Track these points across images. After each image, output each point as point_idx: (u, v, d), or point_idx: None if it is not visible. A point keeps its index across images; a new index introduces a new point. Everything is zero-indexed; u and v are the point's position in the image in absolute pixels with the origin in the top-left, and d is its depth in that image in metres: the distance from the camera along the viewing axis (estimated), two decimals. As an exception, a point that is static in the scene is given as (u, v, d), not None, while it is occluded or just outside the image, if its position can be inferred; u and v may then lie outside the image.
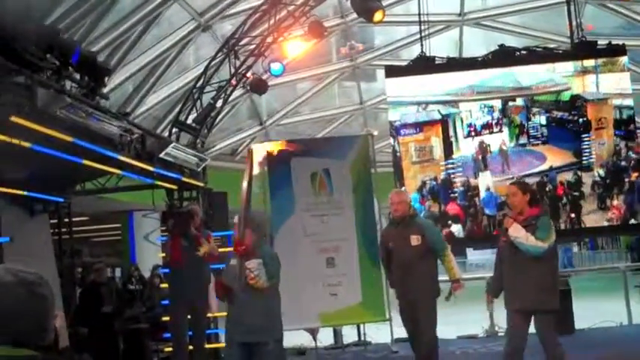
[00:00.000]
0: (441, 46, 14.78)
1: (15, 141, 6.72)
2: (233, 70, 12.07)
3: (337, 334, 11.28)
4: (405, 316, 7.61)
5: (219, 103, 12.10)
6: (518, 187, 6.70)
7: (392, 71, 12.59)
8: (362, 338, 11.32)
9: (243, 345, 6.09)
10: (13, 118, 6.49)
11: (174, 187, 11.23)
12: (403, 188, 10.87)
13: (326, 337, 11.02)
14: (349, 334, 11.39)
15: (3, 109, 6.34)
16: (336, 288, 10.09)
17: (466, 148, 11.90)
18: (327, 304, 10.04)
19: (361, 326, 11.21)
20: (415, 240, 7.36)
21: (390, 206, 7.75)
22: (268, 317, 6.11)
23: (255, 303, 6.02)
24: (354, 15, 13.90)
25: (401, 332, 9.81)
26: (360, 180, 10.56)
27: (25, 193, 9.15)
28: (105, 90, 8.97)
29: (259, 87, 12.75)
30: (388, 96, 12.61)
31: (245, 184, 5.99)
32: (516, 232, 6.33)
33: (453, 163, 11.82)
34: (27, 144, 6.92)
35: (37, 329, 1.86)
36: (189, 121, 11.94)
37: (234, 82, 12.15)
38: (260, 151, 6.36)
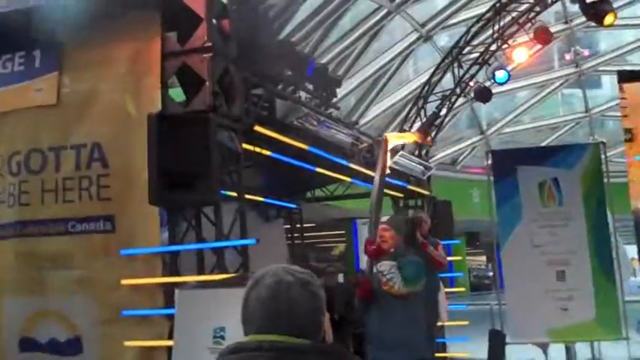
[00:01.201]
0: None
1: (257, 149, 7.13)
2: (457, 80, 12.03)
3: (569, 351, 10.71)
4: None
5: (442, 112, 12.10)
6: None
7: (626, 76, 11.85)
8: (596, 356, 10.68)
9: None
10: (256, 128, 6.91)
11: (399, 194, 11.37)
12: None
13: (556, 353, 10.54)
14: (581, 351, 10.80)
15: (248, 120, 6.77)
16: (567, 303, 9.61)
17: None
18: (556, 319, 9.60)
19: (595, 343, 10.59)
20: None
21: None
22: (409, 330, 5.28)
23: (394, 313, 5.26)
24: (579, 20, 13.36)
25: (640, 352, 9.19)
26: (590, 191, 9.99)
27: (263, 199, 9.68)
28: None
29: (483, 95, 12.55)
30: (621, 102, 11.88)
31: (377, 177, 5.45)
32: None
33: (698, 173, 10.88)
34: (267, 152, 7.32)
35: (314, 325, 1.96)
36: (413, 130, 12.05)
37: (458, 90, 12.10)
38: (394, 141, 5.96)
